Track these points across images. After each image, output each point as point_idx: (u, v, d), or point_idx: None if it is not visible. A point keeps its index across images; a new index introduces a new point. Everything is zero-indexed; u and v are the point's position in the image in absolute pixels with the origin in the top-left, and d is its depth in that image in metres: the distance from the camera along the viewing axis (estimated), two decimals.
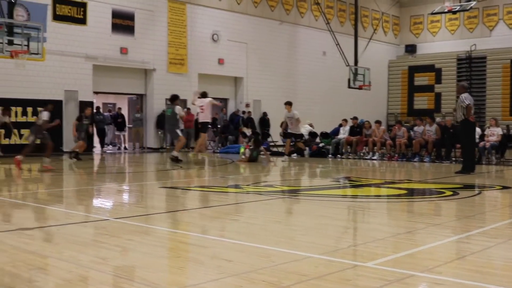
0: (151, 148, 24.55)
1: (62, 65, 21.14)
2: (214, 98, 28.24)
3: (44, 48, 18.95)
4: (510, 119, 29.74)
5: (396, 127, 19.92)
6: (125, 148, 25.02)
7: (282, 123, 23.64)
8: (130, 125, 25.51)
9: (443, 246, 5.61)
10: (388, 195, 10.22)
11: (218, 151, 23.97)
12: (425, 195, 10.39)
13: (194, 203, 9.26)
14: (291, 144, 18.96)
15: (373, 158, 19.43)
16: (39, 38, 18.03)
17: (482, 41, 33.09)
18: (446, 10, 26.94)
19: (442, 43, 35.05)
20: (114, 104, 29.28)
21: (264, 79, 28.45)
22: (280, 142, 24.47)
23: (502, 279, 4.43)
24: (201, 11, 25.85)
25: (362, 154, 20.19)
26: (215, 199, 9.63)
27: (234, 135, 25.57)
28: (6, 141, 19.37)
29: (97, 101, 25.30)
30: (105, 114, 25.93)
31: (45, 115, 14.87)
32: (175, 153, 16.81)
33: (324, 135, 21.77)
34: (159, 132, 24.58)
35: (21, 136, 19.73)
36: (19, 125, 19.60)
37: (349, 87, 27.72)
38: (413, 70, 35.67)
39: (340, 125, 21.61)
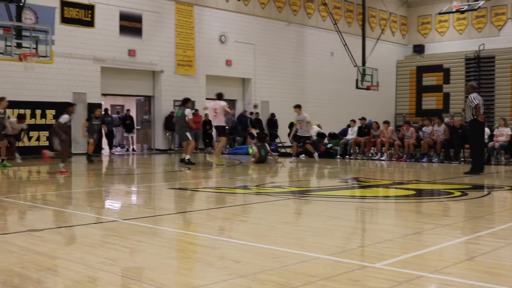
0: (159, 149, 24.59)
1: (71, 67, 21.21)
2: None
3: (52, 51, 19.00)
4: None
5: (404, 128, 19.87)
6: (133, 149, 25.08)
7: (292, 125, 23.73)
8: (138, 127, 25.56)
9: (452, 246, 5.60)
10: (396, 196, 10.19)
11: (226, 152, 23.98)
12: (433, 196, 10.36)
13: (202, 204, 9.27)
14: (299, 145, 18.88)
15: (381, 158, 19.39)
16: (48, 40, 18.09)
17: (490, 40, 32.96)
18: (454, 10, 26.86)
19: (450, 43, 34.94)
20: (122, 106, 29.36)
21: (272, 80, 28.45)
22: (288, 143, 24.46)
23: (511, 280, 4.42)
24: (209, 12, 25.88)
25: (370, 155, 20.14)
26: (224, 200, 9.64)
27: (242, 136, 25.57)
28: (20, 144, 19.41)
29: (105, 103, 25.38)
30: (114, 116, 25.99)
31: (64, 118, 14.06)
32: (187, 156, 16.78)
33: (332, 136, 21.74)
34: (167, 134, 24.61)
35: (30, 138, 19.79)
36: (28, 128, 19.65)
37: (357, 87, 27.65)
38: (421, 70, 35.56)
39: (348, 126, 21.58)
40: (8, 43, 17.13)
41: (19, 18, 18.40)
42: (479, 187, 11.23)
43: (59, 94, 20.74)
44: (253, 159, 17.59)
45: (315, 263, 4.86)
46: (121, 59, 22.92)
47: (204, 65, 25.61)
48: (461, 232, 6.51)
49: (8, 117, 16.45)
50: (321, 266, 4.76)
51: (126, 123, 25.09)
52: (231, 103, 28.19)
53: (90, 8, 21.85)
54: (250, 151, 18.09)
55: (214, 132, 26.60)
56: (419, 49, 36.31)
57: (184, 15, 24.93)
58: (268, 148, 18.18)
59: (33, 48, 17.55)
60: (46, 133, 19.92)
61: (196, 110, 23.69)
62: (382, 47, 32.78)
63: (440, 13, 29.35)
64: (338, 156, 20.39)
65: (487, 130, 16.58)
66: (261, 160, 17.45)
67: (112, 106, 28.38)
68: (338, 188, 11.61)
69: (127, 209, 8.74)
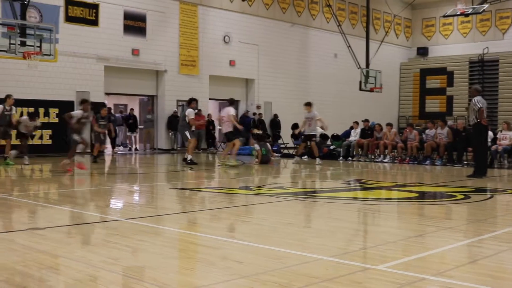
0: (161, 149, 24.60)
1: (74, 66, 21.23)
2: (225, 100, 28.49)
3: (56, 49, 19.03)
4: None
5: (407, 130, 19.85)
6: (136, 149, 25.09)
7: (295, 127, 23.70)
8: (141, 126, 25.58)
9: (454, 249, 5.59)
10: (399, 198, 10.18)
11: (228, 152, 23.94)
12: (436, 199, 10.34)
13: (204, 204, 9.27)
14: (308, 145, 18.64)
15: (384, 161, 19.37)
16: (52, 39, 18.11)
17: (494, 44, 32.91)
18: (458, 13, 26.81)
19: (454, 46, 34.89)
20: (125, 105, 29.38)
21: (275, 81, 28.45)
22: (290, 144, 24.45)
23: None
24: (213, 12, 25.88)
25: (373, 157, 20.12)
26: (226, 200, 9.64)
27: (245, 137, 25.56)
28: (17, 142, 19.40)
29: (109, 102, 25.39)
30: (117, 115, 26.01)
31: (76, 114, 13.80)
32: (188, 156, 16.81)
33: (335, 138, 21.73)
34: (170, 134, 24.62)
35: (32, 137, 19.78)
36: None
37: (361, 89, 27.63)
38: (425, 72, 35.52)
39: (351, 128, 21.56)
40: (12, 41, 17.16)
41: (23, 16, 18.44)
42: (482, 190, 11.21)
43: (62, 93, 20.76)
44: (256, 160, 17.56)
45: (317, 264, 4.85)
46: (125, 58, 22.93)
47: (207, 65, 25.61)
48: (463, 235, 6.50)
49: (21, 116, 16.48)
50: (323, 267, 4.75)
51: (129, 122, 25.11)
52: (234, 103, 28.18)
53: (95, 7, 21.87)
54: (254, 153, 18.03)
55: (217, 133, 26.73)
56: (423, 51, 36.28)
57: (188, 15, 24.94)
58: (269, 147, 18.16)
59: (37, 47, 17.57)
60: (49, 132, 19.96)
61: (199, 110, 23.70)
62: (386, 49, 32.77)
63: (444, 16, 29.31)
64: (340, 158, 20.38)
65: (490, 133, 16.56)
66: (264, 160, 17.43)
67: (115, 105, 28.39)
68: (340, 190, 11.60)
69: (129, 209, 8.75)
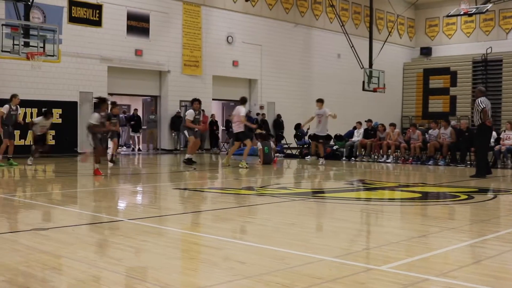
0: (165, 149, 24.61)
1: (78, 66, 21.27)
2: (228, 100, 28.54)
3: (59, 50, 19.05)
4: None
5: (411, 130, 19.83)
6: (139, 149, 25.10)
7: (298, 127, 23.68)
8: (144, 127, 25.60)
9: (457, 250, 5.58)
10: (402, 198, 10.17)
11: (233, 153, 23.95)
12: (439, 199, 10.33)
13: (207, 204, 9.27)
14: (319, 142, 18.49)
15: (387, 161, 19.35)
16: (55, 40, 18.13)
17: (498, 44, 32.86)
18: (462, 13, 26.76)
19: (457, 46, 34.85)
20: (128, 106, 29.39)
21: (278, 81, 28.45)
22: (294, 145, 24.45)
23: None
24: (216, 13, 25.90)
25: (376, 157, 20.10)
26: (229, 200, 9.64)
27: (249, 137, 25.52)
28: (21, 142, 19.43)
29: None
30: (120, 115, 26.00)
31: (94, 118, 13.34)
32: (187, 155, 16.83)
33: (338, 138, 21.71)
34: (173, 134, 24.64)
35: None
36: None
37: (364, 89, 27.60)
38: (428, 72, 35.48)
39: (355, 128, 21.55)
40: (16, 42, 17.17)
41: (27, 17, 18.47)
42: (485, 191, 11.19)
43: (65, 93, 20.80)
44: (259, 160, 17.54)
45: (320, 265, 4.85)
46: (128, 58, 22.96)
47: (210, 65, 25.63)
48: (467, 235, 6.48)
49: (32, 120, 16.42)
50: (326, 268, 4.75)
51: (131, 123, 25.10)
52: (237, 104, 28.17)
53: (98, 7, 21.90)
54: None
55: (220, 133, 26.75)
56: (426, 51, 36.25)
57: (192, 15, 24.95)
58: (272, 145, 18.13)
59: (41, 47, 17.59)
60: (53, 132, 19.96)
61: (203, 110, 23.70)
62: (389, 49, 32.73)
63: (448, 16, 29.25)
64: (344, 158, 20.36)
65: (494, 133, 16.52)
66: (267, 159, 17.42)
67: (119, 105, 28.37)
68: (343, 190, 11.60)
69: (132, 209, 8.75)
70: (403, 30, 36.39)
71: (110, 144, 17.05)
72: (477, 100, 13.41)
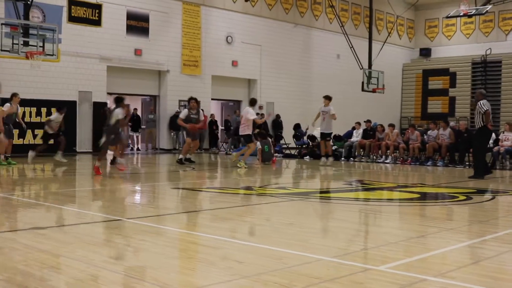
0: (163, 149, 24.62)
1: (77, 66, 21.27)
2: (227, 100, 28.54)
3: (59, 49, 19.05)
4: None
5: (409, 131, 19.85)
6: (138, 149, 25.09)
7: (297, 127, 23.67)
8: (143, 126, 25.59)
9: (456, 250, 5.58)
10: (400, 199, 10.18)
11: (230, 152, 23.99)
12: (438, 199, 10.33)
13: (206, 204, 9.28)
14: (328, 140, 18.34)
15: (386, 161, 19.36)
16: (54, 39, 18.14)
17: (497, 45, 32.88)
18: (461, 14, 26.79)
19: (457, 47, 34.87)
20: (128, 105, 29.31)
21: (277, 82, 28.45)
22: (292, 145, 24.45)
23: None
24: (216, 13, 25.90)
25: (375, 158, 20.12)
26: (227, 200, 9.64)
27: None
28: (19, 141, 19.43)
29: (111, 103, 25.39)
30: None
31: (118, 114, 13.09)
32: (180, 156, 16.83)
33: (337, 138, 21.71)
34: (172, 133, 24.64)
35: (34, 136, 19.82)
36: (33, 126, 19.69)
37: (363, 90, 27.62)
38: (428, 73, 35.49)
39: (353, 128, 21.56)
40: (15, 41, 17.19)
41: (26, 17, 18.47)
42: (484, 192, 11.20)
43: (65, 93, 20.79)
44: (258, 160, 17.50)
45: (318, 264, 4.85)
46: (128, 58, 22.96)
47: (210, 65, 25.63)
48: (465, 236, 6.49)
49: (49, 119, 16.37)
50: (324, 268, 4.75)
51: (129, 123, 25.03)
52: (236, 104, 28.24)
53: (98, 7, 21.90)
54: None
55: (219, 133, 26.74)
56: (425, 52, 36.26)
57: (191, 15, 24.96)
58: (271, 145, 18.12)
59: (40, 47, 17.60)
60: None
61: (202, 110, 23.69)
62: (388, 50, 32.74)
63: (447, 17, 29.28)
64: (342, 158, 20.37)
65: (493, 135, 16.54)
66: (266, 157, 17.42)
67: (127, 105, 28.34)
68: (342, 190, 11.60)
69: (131, 208, 8.75)
70: (402, 31, 36.41)
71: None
72: (479, 103, 13.41)
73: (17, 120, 16.06)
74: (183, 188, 11.20)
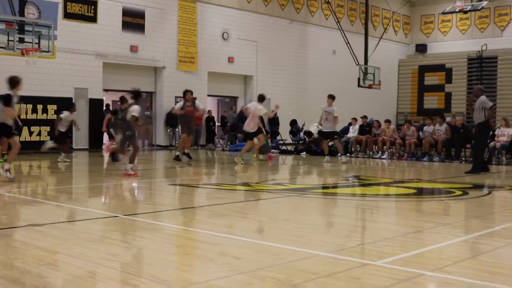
0: (160, 145, 24.59)
1: (73, 62, 21.21)
2: (224, 96, 28.52)
3: (54, 46, 19.00)
4: None
5: (405, 127, 19.88)
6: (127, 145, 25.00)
7: (294, 123, 23.65)
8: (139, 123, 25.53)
9: (452, 245, 5.60)
10: (397, 194, 10.19)
11: (227, 148, 24.00)
12: (434, 195, 10.36)
13: (203, 200, 9.28)
14: (336, 137, 18.22)
15: (382, 157, 19.39)
16: (50, 36, 18.09)
17: (493, 41, 32.88)
18: (457, 10, 26.81)
19: (452, 43, 34.87)
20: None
21: (273, 78, 28.42)
22: (289, 141, 24.45)
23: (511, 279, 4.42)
24: (211, 9, 25.86)
25: (371, 153, 20.14)
26: (224, 196, 9.64)
27: (243, 133, 25.54)
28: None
29: (107, 99, 25.37)
30: None
31: (133, 110, 12.19)
32: (177, 153, 16.80)
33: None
34: (168, 130, 24.62)
35: (31, 133, 19.79)
36: (29, 123, 19.65)
37: (359, 86, 27.63)
38: (423, 69, 35.50)
39: (350, 124, 21.57)
40: (11, 38, 17.13)
41: (22, 13, 18.41)
42: (480, 187, 11.23)
43: (60, 90, 20.74)
44: (254, 154, 17.20)
45: (315, 260, 4.86)
46: (123, 55, 22.92)
47: (206, 61, 25.60)
48: (461, 231, 6.51)
49: (60, 118, 16.22)
50: (321, 263, 4.76)
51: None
52: (233, 100, 28.22)
53: (93, 3, 21.83)
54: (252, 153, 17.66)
55: (217, 129, 26.72)
56: (421, 48, 36.27)
57: (187, 11, 24.91)
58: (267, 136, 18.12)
59: (36, 43, 17.55)
60: (48, 128, 19.90)
61: (195, 99, 23.54)
62: (384, 46, 32.74)
63: (443, 13, 29.29)
64: (339, 154, 20.37)
65: None
66: (263, 149, 17.36)
67: (114, 101, 28.35)
68: (339, 186, 11.62)
69: (128, 205, 8.75)
70: (398, 27, 36.41)
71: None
72: (481, 98, 13.43)
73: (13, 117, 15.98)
74: (180, 184, 11.20)
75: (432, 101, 34.85)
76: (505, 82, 31.99)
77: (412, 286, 4.14)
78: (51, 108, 20.32)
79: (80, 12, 21.46)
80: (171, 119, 23.36)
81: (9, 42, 17.09)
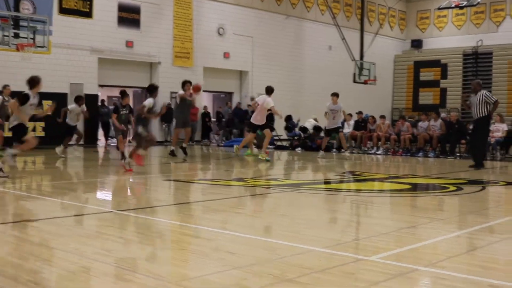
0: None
1: (68, 58, 21.16)
2: (219, 92, 28.49)
3: (50, 41, 18.95)
4: None
5: (400, 123, 19.93)
6: (129, 141, 24.98)
7: (289, 119, 23.63)
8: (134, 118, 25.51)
9: (446, 241, 5.62)
10: (392, 190, 10.21)
11: (222, 144, 24.00)
12: (429, 190, 10.39)
13: (198, 196, 9.28)
14: (339, 132, 18.17)
15: (377, 152, 19.42)
16: (45, 31, 18.03)
17: (488, 36, 32.93)
18: (453, 5, 26.82)
19: (448, 38, 34.89)
20: (119, 97, 29.22)
21: (269, 73, 28.39)
22: (284, 136, 24.45)
23: (506, 274, 4.44)
24: (207, 4, 25.81)
25: (366, 149, 20.17)
26: (219, 192, 9.64)
27: (239, 129, 25.56)
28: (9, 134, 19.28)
29: (102, 94, 25.33)
30: (110, 107, 25.91)
31: (148, 102, 12.30)
32: (171, 147, 16.75)
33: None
34: (164, 125, 24.60)
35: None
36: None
37: (355, 81, 27.64)
38: (419, 65, 35.54)
39: (345, 120, 21.58)
40: (6, 33, 17.07)
41: (17, 8, 18.36)
42: (474, 182, 11.26)
43: (56, 85, 20.66)
44: (250, 149, 17.08)
45: (310, 255, 4.88)
46: (119, 50, 22.87)
47: (201, 57, 25.57)
48: (455, 226, 6.53)
49: (69, 109, 16.12)
50: (316, 258, 4.77)
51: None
52: (228, 95, 28.19)
53: None
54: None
55: (213, 125, 26.70)
56: (417, 44, 36.29)
57: (183, 7, 24.87)
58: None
59: (31, 39, 17.49)
60: (42, 124, 19.86)
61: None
62: (380, 42, 32.75)
63: (439, 8, 29.31)
64: (334, 150, 20.40)
65: None
66: (260, 141, 17.39)
67: (109, 97, 28.30)
68: (333, 182, 11.64)
69: (123, 200, 8.75)
70: (394, 23, 36.41)
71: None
72: (484, 92, 13.45)
73: (8, 113, 15.96)
74: (175, 180, 11.20)
75: (427, 96, 34.89)
76: (500, 77, 32.05)
77: (406, 281, 4.15)
78: (46, 103, 20.19)
79: (76, 8, 21.39)
80: (167, 115, 23.33)
81: (4, 37, 17.03)
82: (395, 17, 36.36)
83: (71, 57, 21.21)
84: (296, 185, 10.74)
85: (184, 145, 16.65)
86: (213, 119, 27.26)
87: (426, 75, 35.09)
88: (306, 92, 29.30)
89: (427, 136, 18.55)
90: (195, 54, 25.33)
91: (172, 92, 24.37)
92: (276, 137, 24.61)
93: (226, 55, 26.61)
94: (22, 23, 17.48)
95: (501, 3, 32.86)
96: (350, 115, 21.40)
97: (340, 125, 17.94)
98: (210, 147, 23.35)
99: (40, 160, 15.45)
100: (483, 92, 13.51)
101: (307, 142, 21.07)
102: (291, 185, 10.62)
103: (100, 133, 23.12)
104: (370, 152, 19.74)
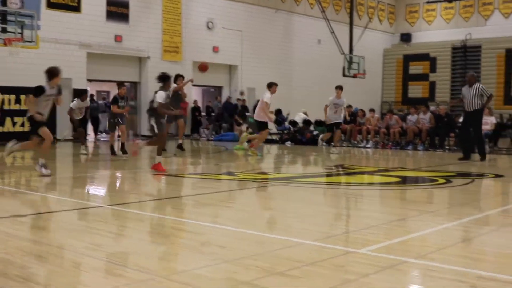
0: (145, 135, 24.48)
1: (56, 52, 21.00)
2: (208, 86, 28.44)
3: (38, 36, 18.85)
4: (503, 108, 29.76)
5: (388, 117, 20.00)
6: (118, 136, 24.92)
7: (279, 112, 23.63)
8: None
9: (435, 233, 5.64)
10: (381, 183, 10.25)
11: (212, 138, 23.98)
12: (418, 183, 10.43)
13: (187, 190, 9.27)
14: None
15: (367, 146, 19.47)
16: (33, 25, 17.94)
17: (477, 30, 33.05)
18: None
19: (437, 32, 34.99)
20: (108, 92, 29.18)
21: (258, 67, 28.38)
22: (274, 130, 24.46)
23: (494, 265, 4.47)
24: None
25: (356, 142, 20.21)
26: (209, 186, 9.64)
27: (228, 123, 25.56)
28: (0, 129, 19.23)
29: (91, 89, 25.22)
30: (100, 102, 25.84)
31: (160, 96, 11.57)
32: (179, 141, 16.64)
33: (318, 123, 21.77)
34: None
35: (14, 124, 19.64)
36: (12, 113, 19.51)
37: (344, 75, 27.68)
38: (408, 58, 35.62)
39: (348, 114, 21.55)
40: None
41: (4, 3, 18.22)
42: (463, 175, 11.31)
43: (44, 80, 20.52)
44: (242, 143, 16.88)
45: (300, 248, 4.88)
46: (108, 44, 22.76)
47: (191, 51, 25.50)
48: (445, 218, 6.56)
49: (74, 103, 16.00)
50: (306, 251, 4.78)
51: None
52: (217, 89, 28.16)
53: None
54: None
55: (203, 119, 26.66)
56: (406, 37, 36.37)
57: (172, 1, 24.77)
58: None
59: (19, 33, 17.40)
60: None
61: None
62: (369, 35, 32.79)
63: (428, 2, 29.43)
64: (324, 143, 20.41)
65: None
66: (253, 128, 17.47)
67: (98, 92, 28.20)
68: (323, 175, 11.66)
69: (112, 195, 8.72)
70: (383, 16, 36.46)
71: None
72: (477, 86, 13.50)
73: None
74: (164, 174, 11.17)
75: (416, 90, 34.99)
76: (489, 71, 32.18)
77: (395, 273, 4.17)
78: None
79: (64, 2, 21.25)
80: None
81: None
82: (384, 11, 36.40)
83: (60, 52, 21.07)
84: (286, 178, 10.75)
85: (180, 141, 16.58)
86: (203, 113, 27.23)
87: (415, 68, 35.18)
88: (296, 86, 29.30)
89: (416, 129, 18.62)
90: (184, 48, 25.26)
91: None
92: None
93: (215, 49, 26.56)
94: (9, 17, 17.39)
95: None
96: (350, 106, 21.12)
97: (342, 120, 17.49)
98: (200, 141, 23.31)
99: (29, 156, 15.36)
100: (479, 85, 13.57)
101: (297, 135, 21.08)
102: (281, 179, 10.63)
103: (90, 127, 23.00)
104: (359, 145, 19.78)
